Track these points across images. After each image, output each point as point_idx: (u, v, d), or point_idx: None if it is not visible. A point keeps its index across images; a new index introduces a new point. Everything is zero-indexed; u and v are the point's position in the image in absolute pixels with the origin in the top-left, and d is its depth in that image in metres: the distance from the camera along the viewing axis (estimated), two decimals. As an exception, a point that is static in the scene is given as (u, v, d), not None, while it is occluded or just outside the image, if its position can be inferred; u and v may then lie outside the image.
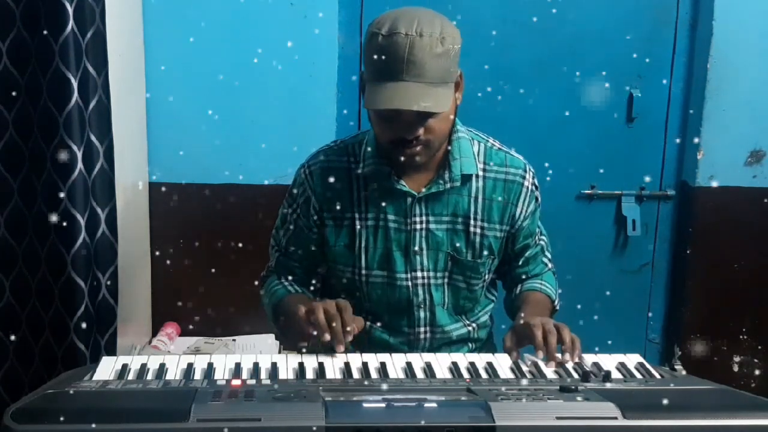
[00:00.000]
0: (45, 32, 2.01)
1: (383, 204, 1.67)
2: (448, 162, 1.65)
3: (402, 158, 1.57)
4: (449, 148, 1.65)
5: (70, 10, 1.98)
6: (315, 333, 1.49)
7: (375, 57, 1.49)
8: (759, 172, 2.76)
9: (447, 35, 1.49)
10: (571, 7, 2.71)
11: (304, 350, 1.52)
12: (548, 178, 2.51)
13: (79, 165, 2.06)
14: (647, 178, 2.83)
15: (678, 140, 2.82)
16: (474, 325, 1.77)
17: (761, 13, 2.65)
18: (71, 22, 1.99)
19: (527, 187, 1.70)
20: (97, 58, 2.09)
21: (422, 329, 1.73)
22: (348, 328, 1.48)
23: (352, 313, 1.53)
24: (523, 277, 1.80)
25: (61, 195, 2.06)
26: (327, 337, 1.47)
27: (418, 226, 1.67)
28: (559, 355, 1.47)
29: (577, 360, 1.48)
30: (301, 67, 2.62)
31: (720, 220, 2.78)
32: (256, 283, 1.85)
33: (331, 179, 1.68)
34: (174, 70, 2.59)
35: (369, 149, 1.66)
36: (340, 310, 1.51)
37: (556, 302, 1.80)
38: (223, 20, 2.59)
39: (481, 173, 1.68)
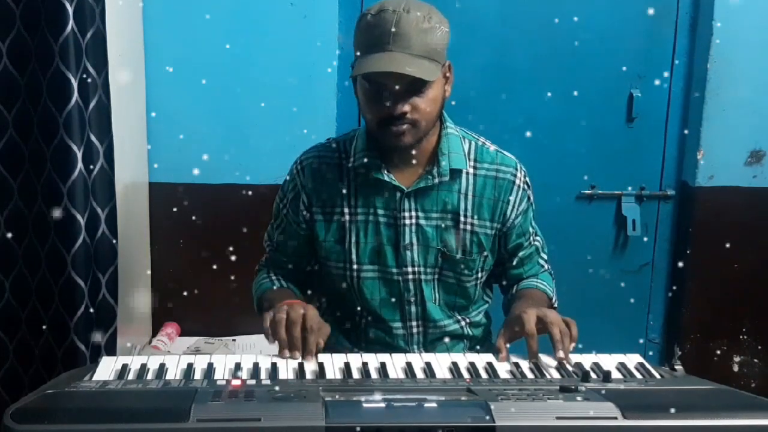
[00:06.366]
0: (45, 32, 2.01)
1: (373, 198, 1.68)
2: (437, 157, 1.66)
3: (389, 138, 1.59)
4: (438, 143, 1.67)
5: (70, 10, 1.98)
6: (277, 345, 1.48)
7: (363, 33, 1.55)
8: (759, 172, 2.76)
9: (434, 15, 1.55)
10: (571, 7, 2.71)
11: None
12: (548, 179, 2.52)
13: (79, 165, 2.06)
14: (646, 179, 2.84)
15: (678, 140, 2.82)
16: (467, 320, 1.78)
17: (761, 13, 2.65)
18: (71, 22, 1.99)
19: (518, 185, 1.71)
20: (97, 58, 2.09)
21: (414, 323, 1.73)
22: (311, 347, 1.45)
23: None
24: (519, 278, 1.80)
25: (61, 195, 2.06)
26: (296, 356, 1.45)
27: (407, 221, 1.68)
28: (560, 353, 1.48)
29: (572, 348, 1.48)
30: (301, 67, 2.62)
31: (720, 220, 2.78)
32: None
33: (321, 175, 1.70)
34: (174, 70, 2.59)
35: (360, 143, 1.69)
36: (305, 322, 1.48)
37: (554, 300, 1.80)
38: (223, 20, 2.59)
39: (471, 170, 1.69)
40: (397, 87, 1.53)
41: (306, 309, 1.51)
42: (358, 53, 1.56)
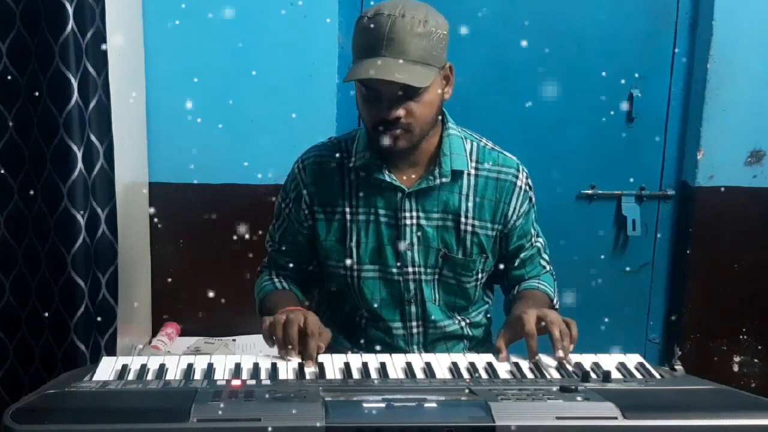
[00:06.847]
0: (45, 32, 2.01)
1: (374, 199, 1.68)
2: (438, 158, 1.66)
3: (383, 142, 1.58)
4: (440, 144, 1.66)
5: (70, 10, 1.98)
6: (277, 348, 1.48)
7: (358, 37, 1.55)
8: (759, 172, 2.76)
9: (430, 19, 1.53)
10: (571, 7, 2.71)
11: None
12: (548, 179, 2.52)
13: (79, 165, 2.06)
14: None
15: (678, 140, 2.82)
16: (467, 320, 1.78)
17: (761, 13, 2.65)
18: (71, 22, 1.99)
19: (520, 186, 1.71)
20: (97, 58, 2.09)
21: (414, 323, 1.73)
22: (312, 351, 1.45)
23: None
24: (520, 279, 1.80)
25: (61, 195, 2.06)
26: (292, 355, 1.45)
27: (408, 222, 1.68)
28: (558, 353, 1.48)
29: (571, 349, 1.48)
30: (301, 67, 2.62)
31: (720, 220, 2.78)
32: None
33: (323, 174, 1.70)
34: (174, 70, 2.59)
35: (360, 144, 1.69)
36: (305, 326, 1.47)
37: (555, 301, 1.79)
38: (223, 20, 2.58)
39: (473, 171, 1.69)
40: (393, 92, 1.52)
41: (306, 314, 1.51)
42: (354, 57, 1.56)
